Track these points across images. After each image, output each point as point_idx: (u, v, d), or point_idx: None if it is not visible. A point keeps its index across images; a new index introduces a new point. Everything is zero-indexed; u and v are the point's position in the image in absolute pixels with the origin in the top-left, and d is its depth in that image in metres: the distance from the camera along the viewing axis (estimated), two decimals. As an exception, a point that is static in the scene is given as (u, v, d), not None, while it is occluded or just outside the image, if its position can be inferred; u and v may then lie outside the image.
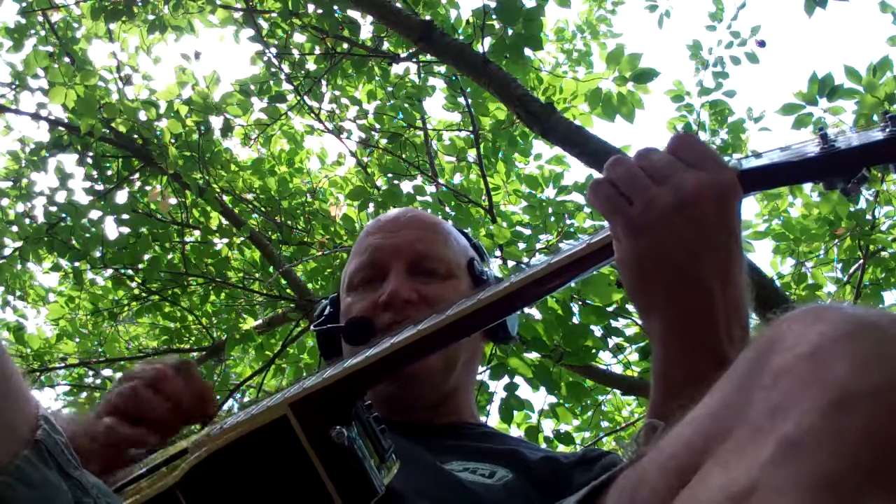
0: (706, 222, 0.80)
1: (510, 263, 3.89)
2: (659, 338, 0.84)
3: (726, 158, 0.85)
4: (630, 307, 3.40)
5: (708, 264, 0.80)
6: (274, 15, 5.11)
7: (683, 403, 0.63)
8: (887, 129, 0.77)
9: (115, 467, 0.94)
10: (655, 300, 0.84)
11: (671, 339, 0.83)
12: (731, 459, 0.50)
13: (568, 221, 4.40)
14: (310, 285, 5.40)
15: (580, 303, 3.56)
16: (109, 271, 5.61)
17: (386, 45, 5.03)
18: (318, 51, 5.04)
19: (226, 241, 5.79)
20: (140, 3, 5.37)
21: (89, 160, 5.69)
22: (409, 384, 1.18)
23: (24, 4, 5.33)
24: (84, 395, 6.20)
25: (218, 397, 5.30)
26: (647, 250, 0.81)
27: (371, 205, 4.45)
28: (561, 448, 3.89)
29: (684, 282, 0.81)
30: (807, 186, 5.23)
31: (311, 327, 1.30)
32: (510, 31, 3.75)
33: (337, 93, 5.43)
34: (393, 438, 0.87)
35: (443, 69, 4.97)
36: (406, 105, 5.27)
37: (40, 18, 5.57)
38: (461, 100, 4.86)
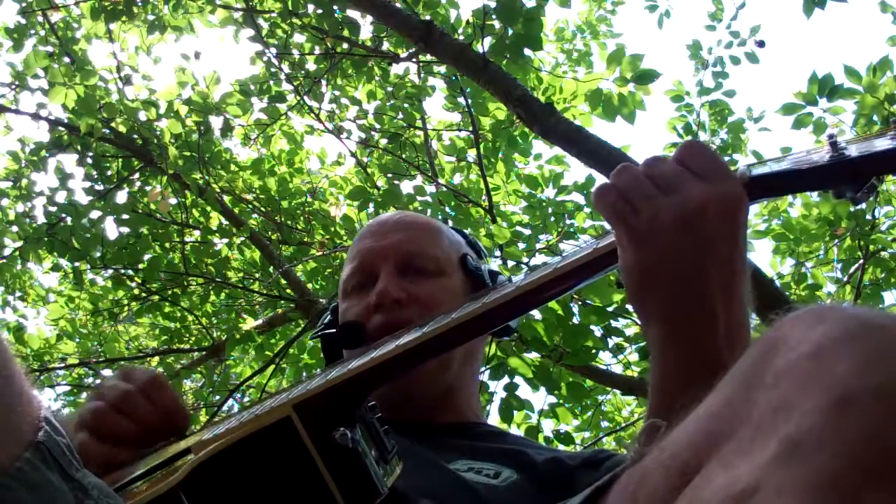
0: (710, 236, 0.80)
1: (510, 263, 3.89)
2: (657, 347, 0.84)
3: (734, 166, 0.84)
4: (630, 307, 3.40)
5: (710, 278, 0.80)
6: (274, 15, 5.11)
7: (684, 405, 0.63)
8: None
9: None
10: (655, 309, 0.84)
11: (669, 350, 0.83)
12: (734, 459, 0.50)
13: (568, 221, 4.41)
14: (310, 285, 5.41)
15: (580, 303, 3.56)
16: (109, 271, 5.61)
17: (386, 45, 5.03)
18: (318, 51, 5.04)
19: (226, 241, 5.80)
20: (140, 3, 5.37)
21: (89, 160, 5.69)
22: (405, 383, 1.17)
23: (24, 4, 5.33)
24: (84, 395, 6.20)
25: (217, 397, 5.31)
26: (650, 260, 0.82)
27: (371, 205, 4.45)
28: (561, 448, 3.89)
29: (685, 294, 0.81)
30: (807, 186, 5.22)
31: (310, 336, 1.31)
32: (510, 31, 3.75)
33: (337, 93, 5.43)
34: (397, 438, 0.87)
35: (443, 69, 4.97)
36: (406, 105, 5.27)
37: (40, 18, 5.57)
38: (461, 100, 4.86)
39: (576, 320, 3.46)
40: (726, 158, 5.33)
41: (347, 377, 0.83)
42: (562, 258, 0.87)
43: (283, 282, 5.46)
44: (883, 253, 4.69)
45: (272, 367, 5.30)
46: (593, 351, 3.54)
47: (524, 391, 8.45)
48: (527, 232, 4.24)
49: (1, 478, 0.57)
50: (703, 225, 0.80)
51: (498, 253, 3.93)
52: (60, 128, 5.69)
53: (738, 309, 0.82)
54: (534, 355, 3.50)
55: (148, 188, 5.94)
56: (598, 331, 3.59)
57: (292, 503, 0.81)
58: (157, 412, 1.00)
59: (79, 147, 5.60)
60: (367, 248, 1.28)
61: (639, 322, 0.92)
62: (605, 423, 5.36)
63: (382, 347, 0.86)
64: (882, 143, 0.77)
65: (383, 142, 5.50)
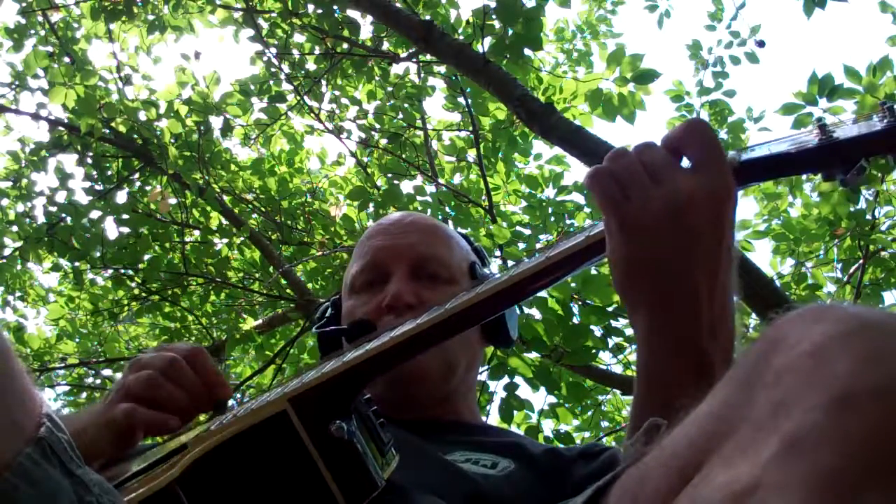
0: (698, 227, 0.81)
1: (510, 264, 3.88)
2: (643, 335, 0.85)
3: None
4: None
5: (696, 268, 0.81)
6: (274, 15, 5.11)
7: (683, 404, 0.63)
8: (885, 120, 0.77)
9: (125, 456, 0.95)
10: (640, 298, 0.85)
11: (654, 338, 0.84)
12: (734, 458, 0.50)
13: (568, 221, 4.41)
14: (310, 285, 5.41)
15: (580, 303, 3.56)
16: (109, 271, 5.62)
17: (386, 45, 5.03)
18: (318, 51, 5.04)
19: (226, 241, 5.80)
20: (140, 3, 5.37)
21: (89, 160, 5.70)
22: (408, 387, 1.17)
23: (24, 4, 5.33)
24: (84, 395, 6.21)
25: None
26: (637, 249, 0.82)
27: (371, 205, 4.45)
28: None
29: (671, 283, 0.82)
30: (807, 186, 5.23)
31: (313, 329, 1.30)
32: (510, 31, 3.75)
33: (337, 93, 5.43)
34: (393, 432, 0.88)
35: (443, 69, 4.97)
36: (406, 105, 5.27)
37: (40, 18, 5.57)
38: (461, 100, 4.86)
39: (576, 320, 3.46)
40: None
41: (342, 370, 0.83)
42: (554, 246, 0.87)
43: (283, 282, 5.47)
44: (883, 253, 4.69)
45: (272, 367, 5.31)
46: (593, 351, 3.54)
47: (524, 391, 8.47)
48: (527, 232, 4.24)
49: (2, 473, 0.57)
50: (691, 216, 0.80)
51: (498, 253, 3.93)
52: (60, 128, 5.69)
53: (723, 299, 0.83)
54: (534, 355, 3.50)
55: (148, 188, 5.94)
56: (598, 331, 3.59)
57: (290, 497, 0.81)
58: (201, 382, 1.00)
59: (79, 147, 5.60)
60: (380, 246, 1.27)
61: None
62: (605, 423, 5.36)
63: (377, 339, 0.86)
64: (870, 125, 0.77)
65: (383, 142, 5.50)
